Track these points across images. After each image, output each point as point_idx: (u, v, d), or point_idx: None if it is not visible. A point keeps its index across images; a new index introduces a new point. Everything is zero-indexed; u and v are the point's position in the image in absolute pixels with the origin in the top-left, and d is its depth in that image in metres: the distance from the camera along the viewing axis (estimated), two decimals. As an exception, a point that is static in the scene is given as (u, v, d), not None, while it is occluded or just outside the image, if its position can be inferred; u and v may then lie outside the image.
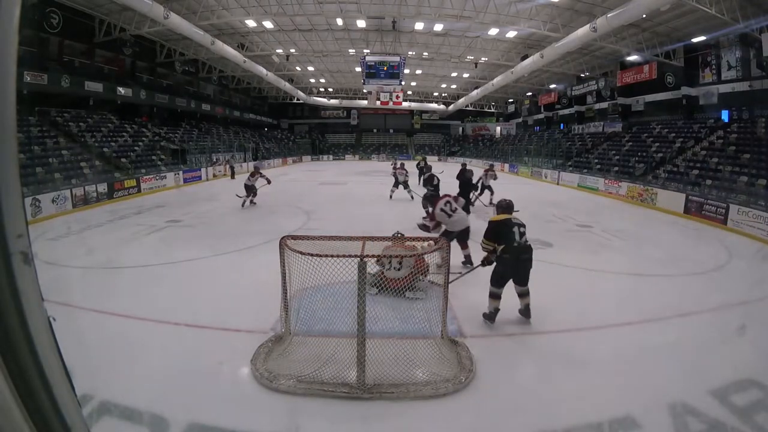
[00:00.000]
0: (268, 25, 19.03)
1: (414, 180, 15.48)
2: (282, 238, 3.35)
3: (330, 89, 36.22)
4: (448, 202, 5.56)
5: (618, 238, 8.10)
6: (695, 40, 16.16)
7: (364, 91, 26.74)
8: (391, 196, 12.43)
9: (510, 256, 3.92)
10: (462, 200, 6.38)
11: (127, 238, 7.72)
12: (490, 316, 4.10)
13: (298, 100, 35.27)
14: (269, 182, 11.25)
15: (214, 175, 20.06)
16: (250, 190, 10.86)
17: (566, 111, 27.79)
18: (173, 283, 5.33)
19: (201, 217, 9.77)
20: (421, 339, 3.47)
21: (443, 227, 5.59)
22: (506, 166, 25.55)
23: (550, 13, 16.20)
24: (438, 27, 18.69)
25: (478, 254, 4.54)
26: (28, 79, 13.87)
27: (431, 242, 3.82)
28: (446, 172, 12.78)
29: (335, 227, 7.86)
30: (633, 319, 4.24)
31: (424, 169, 14.20)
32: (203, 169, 19.55)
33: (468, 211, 8.56)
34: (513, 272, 4.00)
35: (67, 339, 1.09)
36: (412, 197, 11.80)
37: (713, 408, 2.79)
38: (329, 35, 21.03)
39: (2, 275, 0.69)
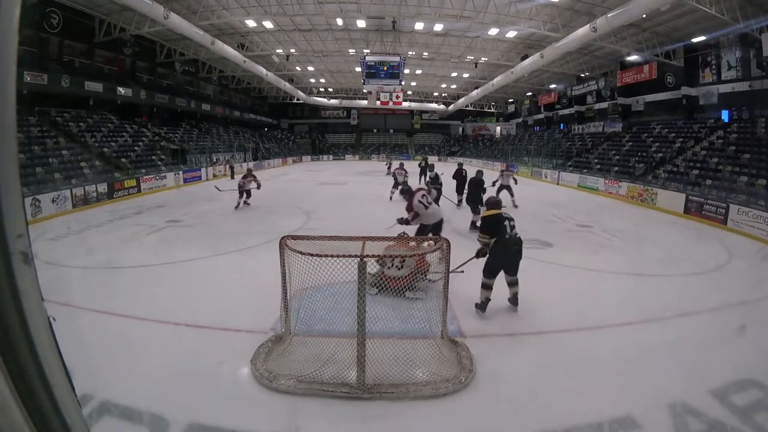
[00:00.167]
0: (268, 25, 19.03)
1: (415, 180, 15.48)
2: (282, 238, 3.35)
3: (330, 89, 36.22)
4: (423, 195, 5.75)
5: (618, 238, 8.09)
6: (695, 40, 16.16)
7: (364, 91, 26.74)
8: (391, 197, 12.14)
9: (503, 248, 4.22)
10: (434, 192, 6.97)
11: (127, 238, 7.72)
12: (482, 306, 4.33)
13: (298, 100, 35.27)
14: (258, 187, 10.87)
15: (214, 175, 20.06)
16: (241, 190, 10.72)
17: (566, 111, 27.79)
18: (173, 283, 5.33)
19: (201, 217, 9.77)
20: (421, 339, 3.47)
21: (419, 220, 5.76)
22: (506, 166, 25.51)
23: (550, 13, 16.20)
24: (438, 27, 18.69)
25: (462, 250, 4.62)
26: (28, 79, 13.87)
27: (431, 242, 3.83)
28: (445, 173, 12.72)
29: (335, 227, 7.86)
30: (633, 319, 4.24)
31: (426, 169, 14.22)
32: (203, 169, 19.55)
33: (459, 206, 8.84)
34: (504, 263, 4.27)
35: (67, 339, 1.09)
36: None
37: (713, 408, 2.79)
38: (329, 35, 21.03)
39: (2, 275, 0.69)
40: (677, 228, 9.37)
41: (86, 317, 4.09)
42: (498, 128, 39.39)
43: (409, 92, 35.00)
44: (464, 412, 2.81)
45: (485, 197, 5.83)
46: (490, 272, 4.30)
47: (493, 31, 18.42)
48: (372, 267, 4.33)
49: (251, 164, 23.86)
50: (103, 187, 12.01)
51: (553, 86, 27.91)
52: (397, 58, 21.54)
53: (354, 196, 14.02)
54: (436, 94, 36.80)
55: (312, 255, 3.05)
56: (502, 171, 11.71)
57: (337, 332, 3.35)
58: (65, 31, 15.64)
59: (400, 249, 4.56)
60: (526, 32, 17.66)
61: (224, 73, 27.29)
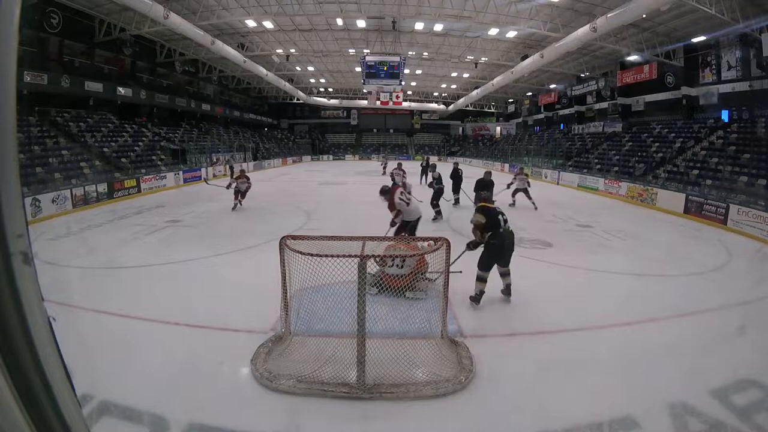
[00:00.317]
0: (268, 25, 19.02)
1: (416, 179, 15.46)
2: (282, 238, 3.35)
3: (330, 89, 36.21)
4: (402, 192, 5.87)
5: (618, 238, 8.10)
6: (695, 40, 16.17)
7: (364, 91, 26.74)
8: None
9: (498, 241, 4.41)
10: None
11: (127, 238, 7.72)
12: (477, 299, 4.48)
13: (298, 100, 35.27)
14: (248, 188, 10.69)
15: (214, 175, 20.04)
16: (237, 190, 10.53)
17: (566, 111, 27.77)
18: (173, 283, 5.33)
19: (201, 217, 9.77)
20: (421, 339, 3.47)
21: (402, 217, 5.88)
22: (506, 166, 25.57)
23: (550, 13, 16.19)
24: (438, 27, 18.69)
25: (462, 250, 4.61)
26: (28, 79, 13.86)
27: (431, 242, 3.82)
28: (445, 174, 12.67)
29: (335, 227, 7.86)
30: (633, 319, 4.24)
31: (427, 168, 14.16)
32: (203, 169, 19.55)
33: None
34: (498, 256, 4.47)
35: (67, 339, 1.09)
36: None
37: (713, 408, 2.79)
38: (329, 35, 21.03)
39: (2, 275, 0.69)
40: (677, 228, 9.37)
41: (86, 317, 4.09)
42: (498, 128, 39.38)
43: (409, 92, 34.99)
44: (464, 412, 2.81)
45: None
46: (486, 265, 4.46)
47: (493, 31, 18.42)
48: (372, 267, 4.34)
49: (249, 164, 23.91)
50: (103, 187, 12.01)
51: (553, 86, 27.91)
52: (397, 58, 21.54)
53: (354, 196, 14.01)
54: (436, 94, 36.78)
55: (312, 255, 3.05)
56: (516, 174, 11.62)
57: (337, 332, 3.35)
58: (65, 31, 15.62)
59: (401, 248, 4.57)
60: (526, 32, 17.65)
61: (224, 73, 27.29)
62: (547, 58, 18.18)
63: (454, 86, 33.19)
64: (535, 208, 10.71)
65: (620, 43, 16.72)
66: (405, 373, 3.05)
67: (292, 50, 23.20)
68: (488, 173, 9.53)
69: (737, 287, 5.39)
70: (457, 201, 11.28)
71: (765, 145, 12.17)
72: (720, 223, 9.24)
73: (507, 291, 4.64)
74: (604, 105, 23.60)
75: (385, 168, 21.35)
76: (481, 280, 4.47)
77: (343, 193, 14.70)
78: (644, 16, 13.83)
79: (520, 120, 35.33)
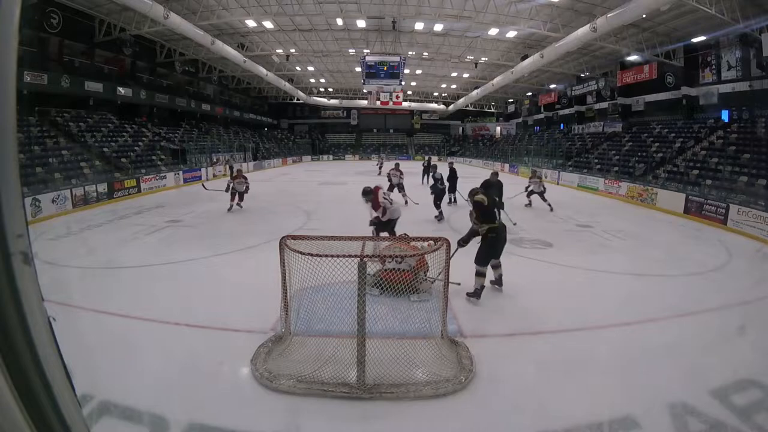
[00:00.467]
0: (268, 25, 19.02)
1: (418, 179, 15.45)
2: (282, 238, 3.35)
3: (330, 89, 36.22)
4: (383, 192, 6.03)
5: (618, 238, 8.10)
6: (695, 40, 16.17)
7: (364, 91, 26.75)
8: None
9: (495, 234, 4.50)
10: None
11: (127, 238, 7.72)
12: (477, 294, 4.53)
13: (298, 100, 35.28)
14: (246, 189, 10.40)
15: (214, 175, 20.06)
16: (234, 191, 10.28)
17: (566, 111, 27.78)
18: (173, 283, 5.33)
19: (201, 217, 9.76)
20: (421, 339, 3.47)
21: (387, 216, 6.01)
22: (506, 166, 25.57)
23: (550, 13, 16.19)
24: (438, 27, 18.69)
25: (465, 250, 4.59)
26: (28, 79, 13.87)
27: (431, 242, 3.82)
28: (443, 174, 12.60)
29: (335, 227, 7.86)
30: (633, 319, 4.24)
31: (428, 168, 14.10)
32: (203, 169, 19.56)
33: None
34: (495, 249, 4.54)
35: (67, 339, 1.09)
36: (406, 202, 10.69)
37: (713, 408, 2.79)
38: (329, 35, 21.04)
39: (2, 275, 0.69)
40: (677, 228, 9.37)
41: (86, 317, 4.09)
42: (498, 128, 39.40)
43: (409, 92, 35.00)
44: (464, 412, 2.81)
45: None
46: (485, 260, 4.53)
47: (493, 31, 18.42)
48: (372, 267, 4.34)
49: (249, 164, 23.89)
50: (103, 187, 12.01)
51: (553, 86, 27.91)
52: (397, 58, 21.55)
53: (354, 196, 13.85)
54: (436, 94, 36.79)
55: (312, 255, 3.05)
56: (530, 177, 11.55)
57: (337, 332, 3.35)
58: (65, 31, 15.63)
59: (398, 248, 4.58)
60: (526, 32, 17.65)
61: (224, 73, 27.30)
62: (547, 58, 18.18)
63: (454, 86, 33.20)
64: (551, 210, 10.71)
65: (620, 43, 16.73)
66: (405, 373, 3.05)
67: (292, 50, 23.21)
68: (495, 174, 8.90)
69: (737, 287, 5.39)
70: (454, 201, 11.26)
71: (765, 145, 12.17)
72: (720, 223, 9.24)
73: (499, 282, 4.80)
74: (604, 105, 23.60)
75: (381, 168, 21.28)
76: (481, 275, 4.52)
77: (343, 193, 14.68)
78: (644, 16, 13.84)
79: (520, 120, 35.34)
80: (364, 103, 33.23)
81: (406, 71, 23.92)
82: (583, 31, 14.97)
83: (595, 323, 4.18)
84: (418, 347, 3.33)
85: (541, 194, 10.93)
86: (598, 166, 18.02)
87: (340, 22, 19.00)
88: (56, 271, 5.64)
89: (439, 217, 9.24)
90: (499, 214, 7.47)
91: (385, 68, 21.69)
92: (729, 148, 13.16)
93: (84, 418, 0.88)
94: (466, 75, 28.14)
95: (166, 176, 15.98)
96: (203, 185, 10.75)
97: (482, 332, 3.95)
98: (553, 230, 8.55)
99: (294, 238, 3.39)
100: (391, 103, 25.80)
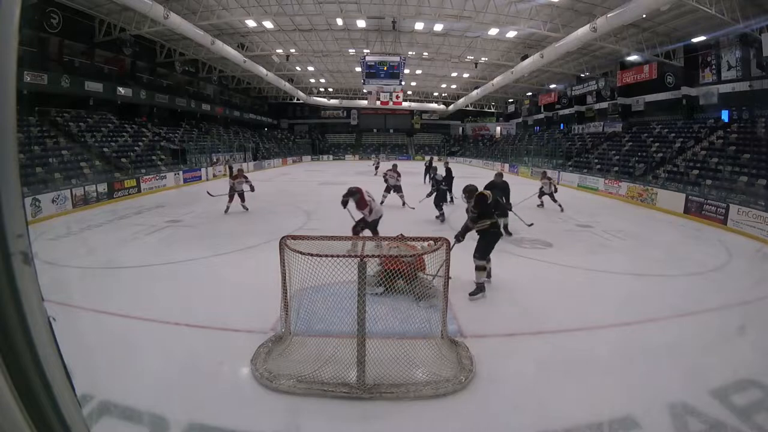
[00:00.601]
0: (268, 25, 19.02)
1: (416, 180, 15.45)
2: (282, 238, 3.35)
3: (330, 89, 36.22)
4: (366, 191, 6.13)
5: (618, 238, 8.10)
6: (695, 40, 16.17)
7: (364, 91, 26.75)
8: (382, 202, 10.69)
9: (496, 229, 4.69)
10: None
11: (127, 238, 7.72)
12: (481, 287, 4.67)
13: (298, 100, 35.28)
14: (252, 189, 10.08)
15: (214, 175, 20.07)
16: (232, 192, 9.98)
17: (566, 111, 27.78)
18: (173, 283, 5.33)
19: (201, 217, 9.76)
20: (421, 339, 3.47)
21: (372, 216, 6.12)
22: (506, 166, 25.58)
23: (550, 13, 16.19)
24: (438, 27, 18.69)
25: (467, 251, 4.56)
26: (28, 79, 13.86)
27: (431, 242, 3.82)
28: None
29: (335, 227, 7.84)
30: (633, 319, 4.24)
31: (430, 168, 14.07)
32: (203, 169, 19.56)
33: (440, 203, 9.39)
34: (494, 243, 4.70)
35: (67, 339, 1.09)
36: (403, 204, 10.55)
37: (713, 408, 2.79)
38: (329, 35, 21.03)
39: (2, 275, 0.69)
40: (677, 228, 9.37)
41: (86, 317, 4.08)
42: (498, 128, 39.39)
43: (409, 92, 34.99)
44: (464, 412, 2.81)
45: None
46: (485, 253, 4.65)
47: (493, 31, 18.42)
48: (372, 268, 4.33)
49: (249, 164, 23.87)
50: (103, 187, 12.01)
51: (553, 86, 27.91)
52: (397, 58, 21.55)
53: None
54: (436, 94, 36.79)
55: (312, 255, 3.05)
56: (541, 179, 11.51)
57: (337, 332, 3.35)
58: (65, 31, 15.62)
59: (400, 247, 4.58)
60: (526, 32, 17.65)
61: (224, 73, 27.30)
62: (547, 58, 18.18)
63: (454, 86, 33.21)
64: (562, 210, 10.74)
65: (620, 43, 16.72)
66: (405, 373, 3.05)
67: (292, 50, 23.21)
68: (499, 175, 8.44)
69: (737, 287, 5.39)
70: (451, 200, 11.24)
71: (765, 145, 12.17)
72: (720, 223, 9.24)
73: (489, 274, 5.01)
74: (604, 105, 23.60)
75: (377, 169, 21.24)
76: (482, 269, 4.63)
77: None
78: (644, 16, 13.83)
79: (520, 120, 35.34)
80: (364, 103, 33.23)
81: (406, 71, 23.92)
82: (583, 31, 14.97)
83: (595, 323, 4.18)
84: (418, 347, 3.33)
85: (552, 195, 10.97)
86: (598, 166, 18.02)
87: (340, 22, 19.00)
88: (56, 271, 5.63)
89: (441, 218, 9.22)
90: (507, 216, 7.49)
91: (385, 68, 21.70)
92: (729, 148, 13.16)
93: (84, 418, 0.88)
94: (466, 75, 28.14)
95: (166, 176, 15.99)
96: (208, 192, 10.66)
97: (482, 332, 3.95)
98: (553, 230, 8.55)
99: (294, 238, 3.39)
100: (391, 103, 25.81)
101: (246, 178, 10.22)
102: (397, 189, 10.91)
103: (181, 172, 17.25)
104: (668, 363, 3.40)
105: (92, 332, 3.77)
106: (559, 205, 10.90)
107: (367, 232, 6.10)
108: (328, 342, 3.35)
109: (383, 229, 6.22)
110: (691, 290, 5.30)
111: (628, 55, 18.38)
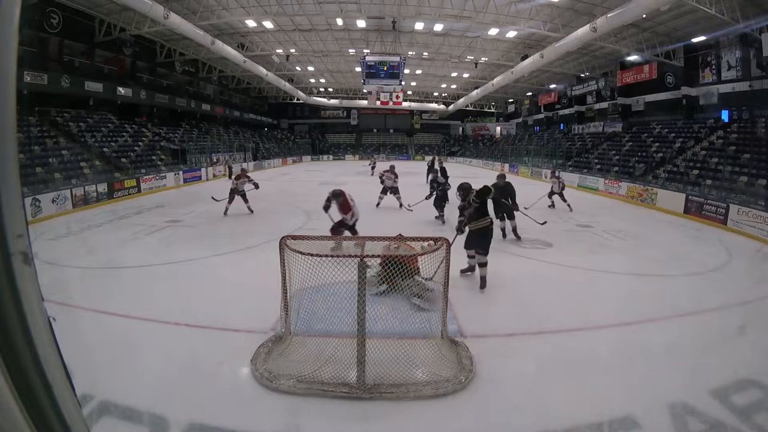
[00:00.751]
0: (268, 25, 19.02)
1: (415, 180, 15.43)
2: (282, 238, 3.35)
3: (330, 89, 36.21)
4: (348, 194, 6.24)
5: (618, 238, 8.10)
6: (695, 40, 16.17)
7: (364, 91, 26.75)
8: (378, 204, 10.66)
9: (486, 226, 4.93)
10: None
11: (127, 238, 7.72)
12: (471, 269, 5.19)
13: (298, 100, 35.27)
14: (256, 187, 9.88)
15: (214, 175, 20.08)
16: (233, 194, 9.75)
17: (566, 111, 27.78)
18: (173, 283, 5.33)
19: (201, 217, 9.76)
20: (421, 339, 3.47)
21: (353, 219, 6.20)
22: (506, 166, 25.59)
23: (550, 13, 16.19)
24: (438, 27, 18.69)
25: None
26: (28, 79, 13.86)
27: (431, 242, 3.82)
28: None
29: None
30: (633, 319, 4.24)
31: (431, 169, 14.05)
32: (203, 169, 19.56)
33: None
34: (484, 239, 4.93)
35: (67, 339, 1.09)
36: (400, 205, 10.44)
37: (713, 408, 2.79)
38: (329, 35, 21.03)
39: (2, 275, 0.69)
40: (677, 228, 9.37)
41: (86, 317, 4.08)
42: (498, 128, 39.39)
43: (409, 92, 34.98)
44: (464, 412, 2.81)
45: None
46: (486, 248, 4.92)
47: (493, 31, 18.42)
48: (373, 268, 4.33)
49: (249, 164, 23.86)
50: (103, 187, 12.01)
51: (553, 86, 27.91)
52: (397, 58, 21.54)
53: (354, 196, 13.88)
54: (436, 94, 36.78)
55: (312, 255, 3.05)
56: (550, 177, 11.55)
57: (337, 332, 3.35)
58: (65, 31, 15.62)
59: (400, 247, 4.58)
60: (526, 32, 17.65)
61: (224, 73, 27.29)
62: (547, 58, 18.17)
63: (454, 86, 33.20)
64: (570, 210, 10.80)
65: (620, 43, 16.72)
66: (405, 373, 3.05)
67: (292, 50, 23.20)
68: (502, 176, 8.05)
69: (737, 287, 5.39)
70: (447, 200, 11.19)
71: (765, 145, 12.17)
72: (720, 223, 9.24)
73: (471, 269, 5.27)
74: (604, 105, 23.60)
75: (373, 169, 21.20)
76: (484, 264, 4.92)
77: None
78: (644, 16, 13.83)
79: (520, 120, 35.34)
80: (364, 103, 33.22)
81: (406, 71, 23.91)
82: (583, 31, 14.97)
83: (595, 323, 4.18)
84: (418, 347, 3.33)
85: (560, 193, 11.01)
86: (598, 166, 18.02)
87: (340, 22, 19.00)
88: (56, 271, 5.63)
89: (441, 219, 9.22)
90: (513, 218, 7.49)
91: (385, 68, 21.70)
92: (729, 148, 13.16)
93: (84, 418, 0.88)
94: (466, 75, 28.14)
95: (166, 176, 15.99)
96: (213, 197, 10.60)
97: (482, 332, 3.95)
98: (553, 230, 8.54)
99: (294, 238, 3.39)
100: (391, 103, 25.81)
101: (249, 177, 10.06)
102: (394, 191, 10.68)
103: (181, 172, 17.25)
104: (668, 363, 3.40)
105: (92, 332, 3.77)
106: (568, 205, 10.95)
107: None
108: (328, 342, 3.35)
109: (383, 229, 6.21)
110: (691, 290, 5.30)
111: (628, 55, 18.39)
